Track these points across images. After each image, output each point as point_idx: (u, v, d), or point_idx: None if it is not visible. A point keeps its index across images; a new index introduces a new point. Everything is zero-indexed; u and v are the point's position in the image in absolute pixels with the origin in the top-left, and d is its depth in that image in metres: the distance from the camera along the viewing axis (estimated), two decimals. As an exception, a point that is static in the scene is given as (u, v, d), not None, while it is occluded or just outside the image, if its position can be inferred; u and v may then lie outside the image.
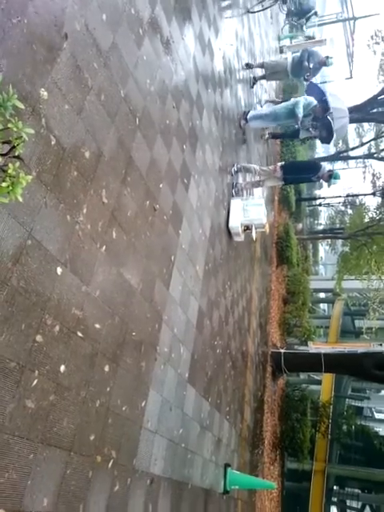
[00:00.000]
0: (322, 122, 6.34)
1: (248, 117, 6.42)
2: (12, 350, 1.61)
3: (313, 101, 6.18)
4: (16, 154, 1.14)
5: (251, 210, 5.59)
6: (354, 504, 17.95)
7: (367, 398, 20.90)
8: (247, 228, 5.69)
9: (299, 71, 6.96)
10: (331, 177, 5.99)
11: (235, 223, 5.41)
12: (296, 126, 6.59)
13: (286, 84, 14.87)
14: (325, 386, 13.81)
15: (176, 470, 3.33)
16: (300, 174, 6.34)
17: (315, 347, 11.54)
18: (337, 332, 16.04)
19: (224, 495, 4.82)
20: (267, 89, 10.23)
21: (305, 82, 7.49)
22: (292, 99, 6.56)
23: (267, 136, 8.86)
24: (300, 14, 11.34)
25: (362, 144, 22.73)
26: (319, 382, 14.76)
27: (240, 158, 6.25)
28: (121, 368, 2.46)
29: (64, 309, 1.95)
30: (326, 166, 6.38)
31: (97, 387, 2.20)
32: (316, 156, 27.98)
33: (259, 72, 7.51)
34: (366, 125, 23.25)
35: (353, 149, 23.55)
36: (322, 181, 6.26)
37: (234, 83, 6.13)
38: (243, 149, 6.67)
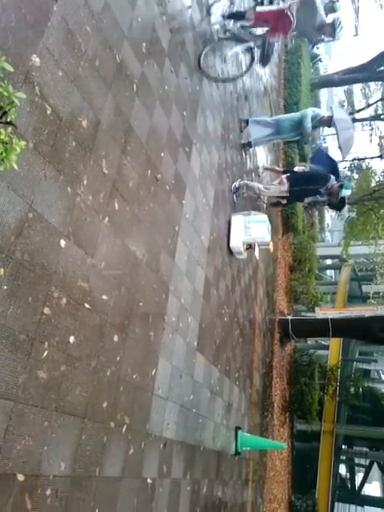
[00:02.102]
0: (331, 189, 5.71)
1: (249, 120, 5.99)
2: (21, 322, 1.63)
3: (320, 112, 5.74)
4: (8, 119, 1.11)
5: (253, 228, 5.22)
6: (363, 461, 18.61)
7: (374, 360, 21.23)
8: (250, 246, 5.35)
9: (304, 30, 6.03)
10: (342, 187, 5.56)
11: (237, 243, 5.06)
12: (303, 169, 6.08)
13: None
14: (332, 350, 14.01)
15: (188, 434, 3.44)
16: (307, 186, 5.81)
17: (322, 313, 11.63)
18: (344, 297, 16.11)
19: (236, 456, 4.99)
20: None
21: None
22: (298, 112, 6.14)
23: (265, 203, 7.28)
24: None
25: (369, 105, 22.02)
26: (327, 347, 14.97)
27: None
28: (130, 338, 2.50)
29: (70, 281, 1.96)
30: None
31: (107, 357, 2.24)
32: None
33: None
34: (372, 84, 22.42)
35: (359, 111, 22.84)
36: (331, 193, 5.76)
37: (235, 43, 5.89)
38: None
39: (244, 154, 6.09)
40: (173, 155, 3.33)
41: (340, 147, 6.14)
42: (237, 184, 5.44)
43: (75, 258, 2.01)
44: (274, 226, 10.48)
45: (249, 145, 6.10)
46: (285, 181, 5.67)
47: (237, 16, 4.67)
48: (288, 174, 5.87)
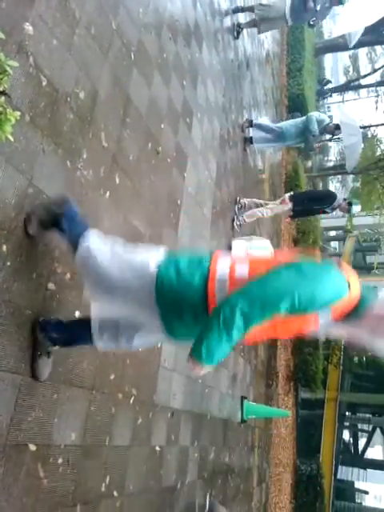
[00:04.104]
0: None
1: (253, 138, 5.73)
2: (25, 298, 1.64)
3: (325, 118, 5.42)
4: (1, 89, 1.07)
5: (256, 254, 5.02)
6: (366, 427, 19.12)
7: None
8: None
9: (302, 15, 5.38)
10: (351, 205, 5.28)
11: None
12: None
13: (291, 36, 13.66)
14: (336, 321, 14.10)
15: (195, 404, 3.52)
16: (312, 206, 5.52)
17: (327, 284, 11.64)
18: (348, 269, 16.09)
19: (242, 424, 5.13)
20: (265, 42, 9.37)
21: (310, 28, 6.44)
22: (302, 117, 5.70)
23: None
24: None
25: (375, 70, 21.35)
26: (331, 318, 15.05)
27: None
28: (135, 312, 2.51)
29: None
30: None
31: (113, 331, 2.26)
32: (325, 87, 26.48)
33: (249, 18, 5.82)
34: (379, 48, 21.67)
35: (364, 76, 22.17)
36: (338, 210, 5.51)
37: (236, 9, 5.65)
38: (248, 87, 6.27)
39: (244, 150, 5.80)
40: (173, 127, 3.26)
41: (345, 157, 5.85)
42: (239, 205, 5.15)
43: (77, 233, 2.00)
44: (278, 198, 10.37)
45: (250, 141, 5.81)
46: (287, 201, 5.33)
47: None
48: (291, 193, 5.52)
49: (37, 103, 1.72)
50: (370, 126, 16.48)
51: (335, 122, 5.82)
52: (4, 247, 1.54)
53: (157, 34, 3.03)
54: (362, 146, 5.63)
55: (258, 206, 5.46)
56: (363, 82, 21.99)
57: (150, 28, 2.92)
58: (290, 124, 5.65)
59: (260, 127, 5.77)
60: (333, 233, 24.34)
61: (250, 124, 5.75)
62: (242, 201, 5.27)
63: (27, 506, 1.59)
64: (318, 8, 5.25)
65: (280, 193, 10.70)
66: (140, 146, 2.68)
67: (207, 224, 4.05)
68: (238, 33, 5.58)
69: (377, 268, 17.81)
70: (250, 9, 5.60)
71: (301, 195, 5.62)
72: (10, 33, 1.58)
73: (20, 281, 1.62)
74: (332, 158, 26.30)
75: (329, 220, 21.13)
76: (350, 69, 23.12)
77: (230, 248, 4.84)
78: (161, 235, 2.96)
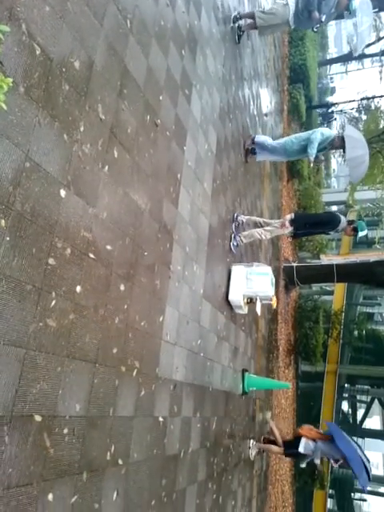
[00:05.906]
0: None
1: (256, 150, 5.57)
2: (26, 273, 1.64)
3: (331, 134, 5.16)
4: (-8, 55, 1.04)
5: (255, 280, 4.77)
6: (364, 398, 19.56)
7: (378, 304, 21.62)
8: (251, 300, 4.99)
9: (305, 22, 5.25)
10: (356, 230, 5.01)
11: (237, 296, 4.64)
12: None
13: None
14: (337, 295, 14.22)
15: (197, 376, 3.58)
16: (314, 229, 5.36)
17: (327, 259, 11.68)
18: (349, 244, 16.09)
19: (243, 396, 5.24)
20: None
21: (314, 32, 6.15)
22: (306, 133, 5.38)
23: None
24: None
25: (379, 39, 20.67)
26: (331, 293, 15.19)
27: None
28: (136, 287, 2.53)
29: (73, 231, 1.95)
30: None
31: (114, 305, 2.28)
32: (327, 57, 25.73)
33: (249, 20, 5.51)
34: (384, 15, 20.87)
35: (368, 45, 21.44)
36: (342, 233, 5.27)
37: (235, -27, 5.43)
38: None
39: (247, 161, 5.72)
40: (172, 98, 3.19)
41: (350, 181, 5.73)
42: (237, 218, 5.02)
43: (76, 207, 1.98)
44: (279, 172, 10.25)
45: (253, 151, 5.68)
46: (287, 224, 5.05)
47: None
48: (292, 216, 5.20)
49: (31, 73, 1.68)
50: (373, 98, 16.10)
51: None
52: (2, 222, 1.53)
53: None
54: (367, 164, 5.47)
55: (256, 225, 5.32)
56: (367, 51, 21.33)
57: (147, -6, 2.80)
58: (292, 141, 5.42)
59: (262, 148, 5.60)
60: (334, 207, 24.19)
61: (253, 141, 5.63)
62: (239, 218, 5.11)
63: (35, 473, 1.64)
64: (324, 19, 5.10)
65: (281, 167, 10.56)
66: (138, 119, 2.62)
67: (207, 199, 4.02)
68: (240, 36, 5.45)
69: (378, 242, 17.76)
70: (251, 15, 5.35)
71: (302, 219, 5.34)
72: (0, -2, 1.52)
73: (20, 256, 1.62)
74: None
75: (330, 194, 20.99)
76: (354, 38, 22.37)
77: (229, 273, 4.75)
78: (161, 210, 2.94)
